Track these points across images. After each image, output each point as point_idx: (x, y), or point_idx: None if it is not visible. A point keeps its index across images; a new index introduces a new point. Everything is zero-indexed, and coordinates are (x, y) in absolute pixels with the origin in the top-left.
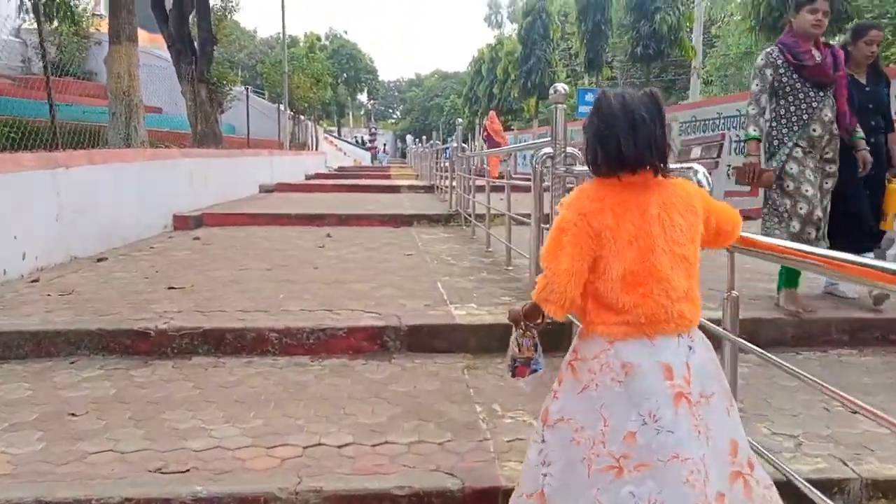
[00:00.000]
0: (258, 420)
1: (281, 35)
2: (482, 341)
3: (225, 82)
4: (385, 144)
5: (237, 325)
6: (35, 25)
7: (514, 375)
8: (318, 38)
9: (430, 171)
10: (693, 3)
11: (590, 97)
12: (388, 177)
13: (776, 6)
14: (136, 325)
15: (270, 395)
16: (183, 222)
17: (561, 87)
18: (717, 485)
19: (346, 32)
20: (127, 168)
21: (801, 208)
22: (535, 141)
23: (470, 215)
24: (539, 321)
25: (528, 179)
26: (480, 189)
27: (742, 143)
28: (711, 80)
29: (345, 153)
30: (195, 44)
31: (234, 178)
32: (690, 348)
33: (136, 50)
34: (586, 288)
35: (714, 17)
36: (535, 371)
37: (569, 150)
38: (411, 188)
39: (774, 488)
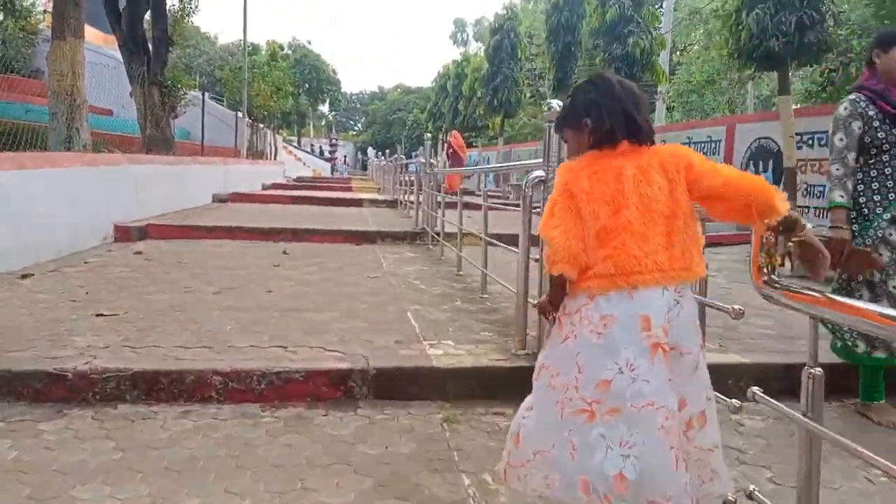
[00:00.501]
0: (193, 500)
1: (242, 42)
2: (462, 387)
3: (179, 86)
4: (346, 156)
5: (174, 366)
6: None
7: None
8: (281, 48)
9: (394, 185)
10: (661, 28)
11: None
12: (350, 189)
13: (757, 34)
14: (51, 364)
15: (210, 460)
16: (125, 234)
17: (555, 104)
18: (673, 445)
19: (309, 43)
20: (63, 174)
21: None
22: (526, 161)
23: (437, 234)
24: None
25: (496, 197)
26: (451, 206)
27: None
28: (673, 107)
29: (304, 163)
30: (149, 45)
31: (184, 186)
32: (677, 302)
33: (81, 46)
34: (588, 248)
35: (676, 44)
36: None
37: None
38: (374, 202)
39: (717, 451)
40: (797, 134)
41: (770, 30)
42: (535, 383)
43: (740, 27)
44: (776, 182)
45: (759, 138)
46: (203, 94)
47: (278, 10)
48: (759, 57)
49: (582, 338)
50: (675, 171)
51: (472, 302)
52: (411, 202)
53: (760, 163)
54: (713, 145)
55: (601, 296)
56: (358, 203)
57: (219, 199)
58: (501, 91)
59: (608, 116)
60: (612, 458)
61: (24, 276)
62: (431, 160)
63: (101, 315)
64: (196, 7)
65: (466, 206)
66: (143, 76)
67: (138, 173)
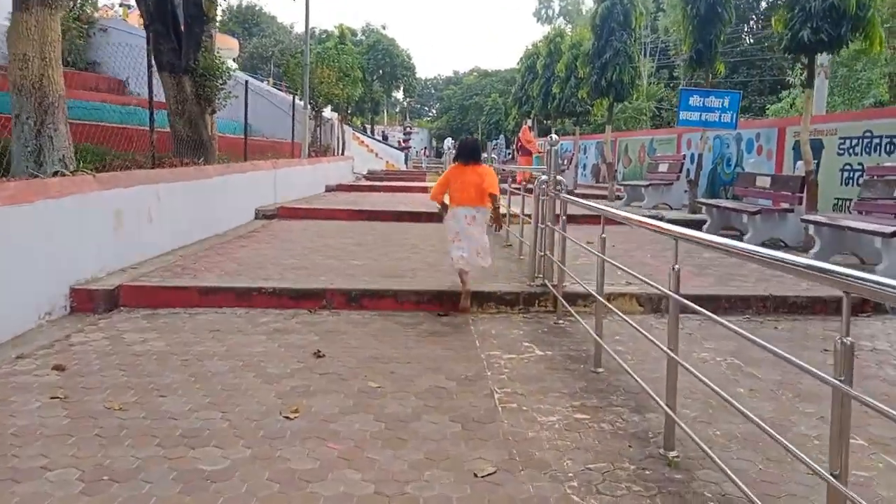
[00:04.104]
0: None
1: (317, 30)
2: None
3: (217, 74)
4: (425, 148)
5: None
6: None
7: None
8: (354, 33)
9: None
10: None
11: (696, 100)
12: (426, 190)
13: None
14: None
15: None
16: (87, 302)
17: None
18: (472, 244)
19: (383, 27)
20: None
21: None
22: None
23: (579, 299)
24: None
25: (596, 195)
26: (573, 220)
27: None
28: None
29: (376, 154)
30: (181, 25)
31: (210, 207)
32: (477, 209)
33: (53, 20)
34: (450, 195)
35: None
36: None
37: None
38: None
39: (488, 258)
40: None
41: None
42: (447, 235)
43: None
44: None
45: None
46: (246, 83)
47: None
48: None
49: (451, 217)
50: (479, 176)
51: None
52: (515, 216)
53: None
54: None
55: (457, 206)
56: (439, 217)
57: (263, 215)
58: (611, 69)
59: (457, 153)
60: (461, 251)
61: None
62: (559, 177)
63: None
64: None
65: (573, 220)
66: (174, 63)
67: (123, 202)
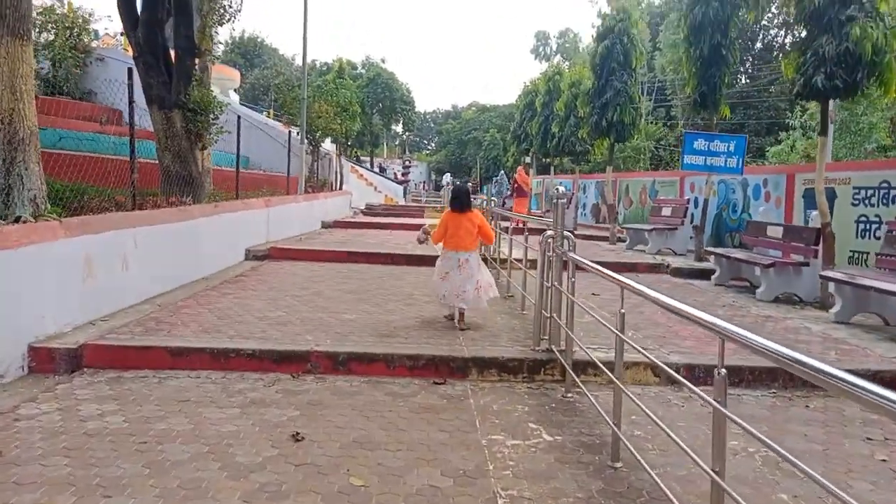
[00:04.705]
0: None
1: (317, 62)
2: None
3: (209, 108)
4: (424, 182)
5: None
6: None
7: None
8: (354, 67)
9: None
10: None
11: (701, 144)
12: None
13: None
14: None
15: None
16: (47, 362)
17: None
18: (465, 287)
19: (383, 61)
20: None
21: None
22: None
23: (589, 367)
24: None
25: (595, 237)
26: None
27: None
28: (809, 125)
29: (375, 188)
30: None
31: (195, 250)
32: (470, 253)
33: (25, 51)
34: (444, 240)
35: None
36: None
37: None
38: None
39: (493, 290)
40: None
41: None
42: (434, 272)
43: None
44: None
45: None
46: (238, 118)
47: (351, 30)
48: None
49: (443, 258)
50: (472, 223)
51: None
52: (516, 261)
53: None
54: None
55: (450, 250)
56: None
57: (254, 256)
58: (612, 109)
59: (451, 200)
60: (448, 289)
61: None
62: (567, 234)
63: None
64: (237, 11)
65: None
66: (163, 97)
67: (94, 248)
